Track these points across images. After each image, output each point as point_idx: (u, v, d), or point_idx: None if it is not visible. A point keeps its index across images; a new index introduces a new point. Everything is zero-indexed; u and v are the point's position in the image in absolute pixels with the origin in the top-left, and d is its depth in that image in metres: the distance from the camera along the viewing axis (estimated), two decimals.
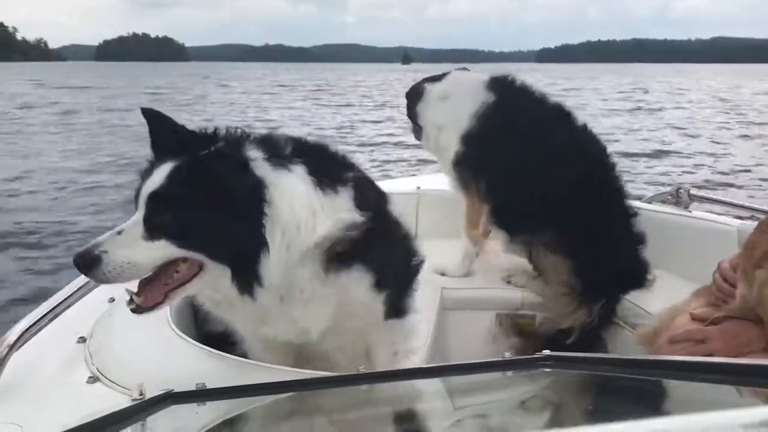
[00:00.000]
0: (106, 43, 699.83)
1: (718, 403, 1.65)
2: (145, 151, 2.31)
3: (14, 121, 29.21)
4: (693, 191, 4.42)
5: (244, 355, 2.60)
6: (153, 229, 2.06)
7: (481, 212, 4.13)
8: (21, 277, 9.28)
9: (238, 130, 2.30)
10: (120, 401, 2.02)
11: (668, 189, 4.57)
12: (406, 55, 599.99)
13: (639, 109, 36.80)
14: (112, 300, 2.83)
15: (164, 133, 2.25)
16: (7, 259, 10.16)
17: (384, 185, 4.29)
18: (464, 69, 4.47)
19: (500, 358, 2.09)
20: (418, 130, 4.37)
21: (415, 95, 4.34)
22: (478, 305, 4.05)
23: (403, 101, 4.46)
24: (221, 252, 2.11)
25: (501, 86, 4.10)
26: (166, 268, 2.12)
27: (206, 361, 2.35)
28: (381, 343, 2.71)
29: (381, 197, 2.63)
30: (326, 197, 2.26)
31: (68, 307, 2.67)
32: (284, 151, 2.30)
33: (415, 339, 2.90)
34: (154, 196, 2.08)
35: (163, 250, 2.06)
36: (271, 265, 2.13)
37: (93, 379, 2.26)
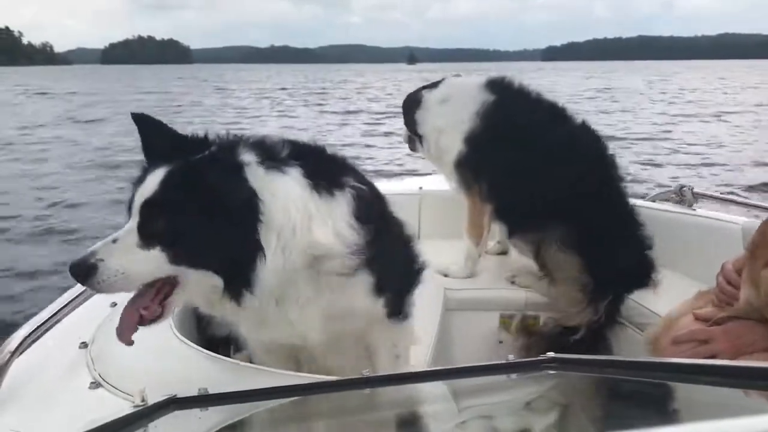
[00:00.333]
0: (112, 47, 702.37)
1: (725, 407, 1.64)
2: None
3: None
4: (697, 190, 4.40)
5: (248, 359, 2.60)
6: (147, 237, 2.04)
7: (483, 213, 4.14)
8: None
9: (232, 134, 2.28)
10: (122, 407, 2.00)
11: (672, 187, 4.56)
12: (412, 56, 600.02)
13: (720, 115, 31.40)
14: (113, 305, 2.80)
15: (156, 138, 2.23)
16: None
17: (386, 186, 4.30)
18: (458, 75, 4.48)
19: (504, 361, 2.05)
20: (414, 140, 4.39)
21: (412, 104, 4.36)
22: (481, 306, 4.05)
23: None
24: (215, 260, 2.09)
25: (499, 87, 4.13)
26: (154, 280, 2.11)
27: (208, 365, 2.34)
28: (383, 345, 2.70)
29: (380, 200, 2.60)
30: (323, 200, 2.24)
31: (70, 312, 2.67)
32: (280, 154, 2.27)
33: (418, 341, 2.89)
34: (147, 204, 2.06)
35: (156, 260, 2.04)
36: (266, 270, 2.11)
37: (95, 385, 2.25)
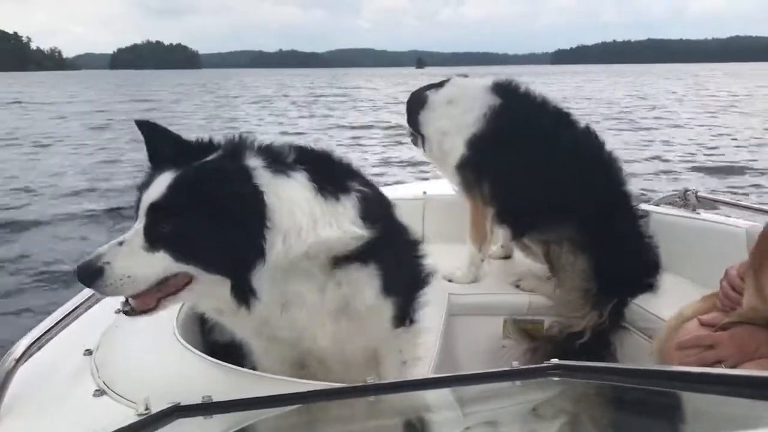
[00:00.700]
0: (120, 52, 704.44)
1: (732, 418, 1.65)
2: None
3: None
4: (701, 193, 4.40)
5: (252, 366, 2.60)
6: (153, 240, 2.05)
7: (485, 216, 4.13)
8: None
9: (237, 138, 2.29)
10: (126, 414, 2.02)
11: (676, 191, 4.56)
12: (421, 59, 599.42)
13: None
14: (118, 311, 2.73)
15: (161, 144, 2.25)
16: None
17: (390, 190, 4.30)
18: (464, 75, 4.45)
19: (509, 368, 2.06)
20: (417, 139, 4.38)
21: (416, 103, 4.34)
22: (485, 311, 4.04)
23: None
24: (220, 263, 2.10)
25: (505, 90, 4.12)
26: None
27: (212, 373, 2.34)
28: (389, 351, 2.70)
29: (386, 204, 2.61)
30: (328, 204, 2.24)
31: (74, 319, 2.67)
32: (286, 158, 2.28)
33: (423, 347, 2.88)
34: (154, 207, 2.07)
35: (162, 262, 2.05)
36: (271, 273, 2.13)
37: (99, 392, 2.25)
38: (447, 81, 4.34)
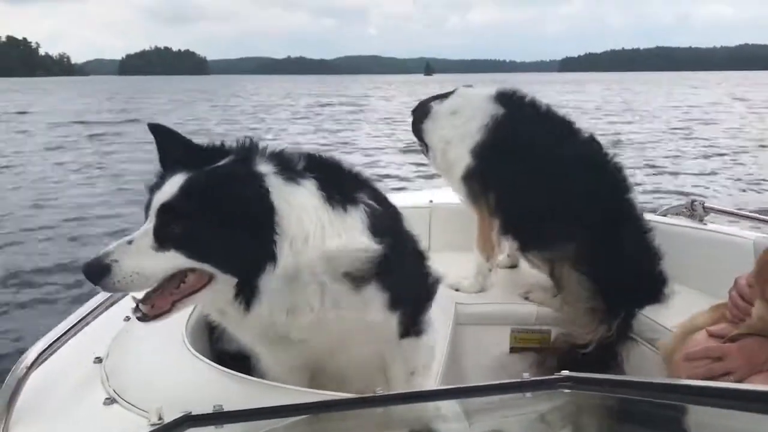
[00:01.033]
0: (129, 58, 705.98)
1: None
2: None
3: None
4: (707, 204, 4.40)
5: (261, 375, 2.60)
6: (163, 240, 2.06)
7: (492, 226, 4.13)
8: None
9: (248, 143, 2.30)
10: (137, 423, 2.05)
11: (683, 201, 4.57)
12: (429, 66, 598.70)
13: None
14: (127, 319, 2.82)
15: (172, 147, 2.26)
16: None
17: (397, 199, 4.31)
18: (469, 86, 4.48)
19: (518, 379, 2.05)
20: (425, 148, 4.40)
21: (421, 113, 4.37)
22: (492, 320, 4.04)
23: None
24: (230, 264, 2.10)
25: (509, 100, 4.13)
26: (173, 277, 2.11)
27: (223, 382, 2.34)
28: (396, 362, 2.70)
29: (394, 214, 2.61)
30: (336, 213, 2.24)
31: (84, 326, 2.68)
32: (296, 165, 2.29)
33: (431, 357, 2.88)
34: (165, 207, 2.08)
35: (172, 260, 2.06)
36: (277, 277, 2.13)
37: (110, 401, 2.26)
38: (452, 92, 4.37)
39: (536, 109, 4.15)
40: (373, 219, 2.32)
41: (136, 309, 2.14)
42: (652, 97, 64.45)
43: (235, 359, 2.67)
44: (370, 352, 2.61)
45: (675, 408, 1.87)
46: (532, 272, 4.29)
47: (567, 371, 1.98)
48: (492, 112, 4.04)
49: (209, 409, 1.95)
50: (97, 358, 2.61)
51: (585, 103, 49.84)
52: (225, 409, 1.96)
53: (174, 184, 2.10)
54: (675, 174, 19.29)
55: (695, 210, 4.37)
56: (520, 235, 4.09)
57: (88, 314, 2.70)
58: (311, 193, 2.23)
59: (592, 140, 4.12)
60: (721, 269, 3.62)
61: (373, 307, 2.39)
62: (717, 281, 3.20)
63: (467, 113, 4.12)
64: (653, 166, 20.18)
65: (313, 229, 2.18)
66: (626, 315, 3.82)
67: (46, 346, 2.40)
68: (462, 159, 4.08)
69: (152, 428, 1.87)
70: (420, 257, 2.77)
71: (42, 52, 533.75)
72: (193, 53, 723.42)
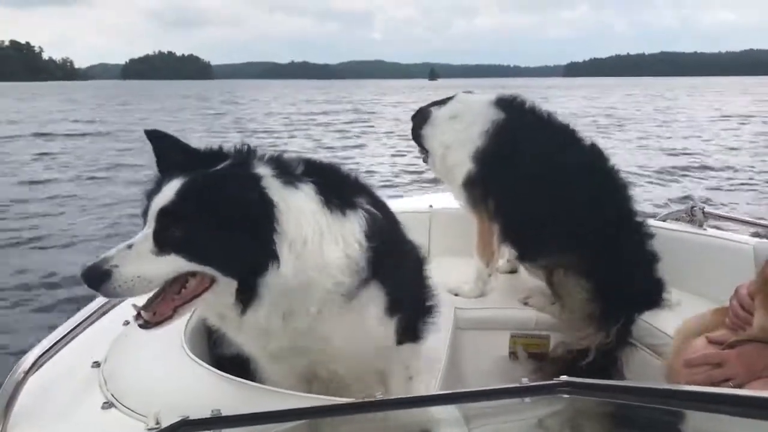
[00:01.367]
0: (132, 62, 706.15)
1: None
2: None
3: None
4: (708, 209, 4.39)
5: (259, 380, 2.59)
6: (163, 244, 2.06)
7: (492, 232, 4.14)
8: None
9: (246, 148, 2.30)
10: (135, 428, 2.04)
11: (683, 207, 4.55)
12: (433, 71, 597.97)
13: None
14: (126, 323, 2.82)
15: (169, 152, 2.27)
16: None
17: (396, 204, 4.32)
18: (469, 92, 4.51)
19: (517, 384, 2.05)
20: (425, 154, 4.42)
21: (421, 119, 4.40)
22: (491, 325, 4.04)
23: None
24: (231, 266, 2.11)
25: (509, 106, 4.14)
26: (174, 283, 2.11)
27: (221, 386, 2.34)
28: (395, 367, 2.71)
29: (392, 221, 2.61)
30: (334, 217, 2.25)
31: (83, 331, 2.67)
32: (294, 170, 2.30)
33: (430, 362, 2.90)
34: (164, 212, 2.08)
35: (173, 264, 2.06)
36: (276, 279, 2.13)
37: (108, 405, 2.25)
38: (451, 98, 4.38)
39: (537, 115, 4.15)
40: (372, 224, 2.32)
41: (138, 317, 2.13)
42: (691, 103, 60.35)
43: (234, 364, 2.66)
44: (368, 358, 2.60)
45: (674, 414, 1.87)
46: (531, 278, 4.28)
47: (566, 376, 1.98)
48: (492, 117, 4.05)
49: (207, 414, 1.95)
50: (95, 362, 2.60)
51: (619, 111, 47.99)
52: (223, 414, 1.96)
53: (172, 188, 2.10)
54: None
55: (695, 215, 4.35)
56: (519, 240, 4.10)
57: (86, 318, 2.70)
58: (309, 197, 2.23)
59: (592, 147, 4.12)
60: (721, 274, 3.64)
61: (371, 312, 2.40)
62: (717, 286, 3.21)
63: (467, 119, 4.13)
64: None
65: (312, 233, 2.18)
66: (625, 320, 3.81)
67: (44, 350, 2.39)
68: (462, 164, 4.09)
69: None
70: (418, 262, 2.78)
71: (46, 56, 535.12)
72: (197, 58, 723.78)
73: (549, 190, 3.89)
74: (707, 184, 17.89)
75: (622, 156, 21.07)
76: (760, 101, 58.82)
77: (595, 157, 4.10)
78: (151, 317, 2.13)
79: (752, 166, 20.48)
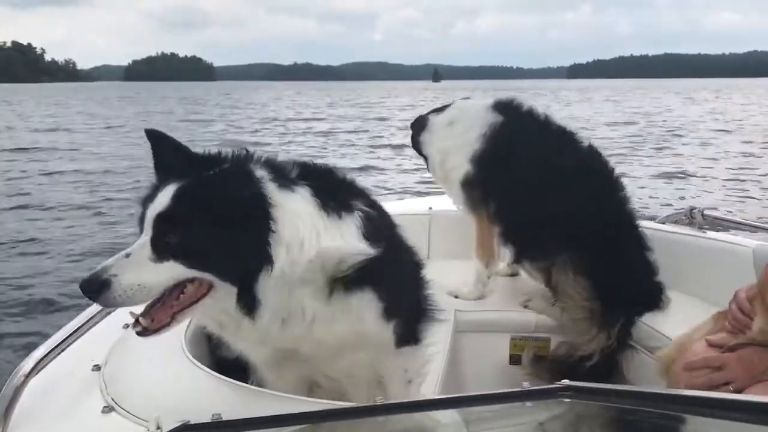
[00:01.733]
0: (135, 63, 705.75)
1: None
2: None
3: None
4: (707, 212, 4.40)
5: (260, 384, 2.59)
6: (161, 251, 2.05)
7: (491, 234, 4.16)
8: None
9: (243, 152, 2.29)
10: (135, 431, 2.05)
11: (682, 209, 4.57)
12: (437, 73, 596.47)
13: None
14: (126, 326, 2.78)
15: (168, 154, 2.26)
16: None
17: (396, 206, 4.32)
18: (467, 98, 4.56)
19: (518, 388, 2.06)
20: (424, 160, 4.46)
21: (419, 126, 4.45)
22: (491, 328, 4.04)
23: None
24: (230, 271, 2.10)
25: (506, 109, 4.17)
26: (172, 289, 2.10)
27: (221, 390, 2.34)
28: (394, 371, 2.69)
29: (389, 224, 2.61)
30: (330, 220, 2.25)
31: (83, 334, 2.68)
32: (290, 173, 2.30)
33: (429, 365, 2.89)
34: (160, 218, 2.07)
35: (171, 271, 2.05)
36: (274, 283, 2.12)
37: (108, 409, 2.24)
38: (449, 105, 4.43)
39: (534, 118, 4.18)
40: (368, 226, 2.32)
41: (136, 324, 2.12)
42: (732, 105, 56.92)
43: (234, 367, 2.65)
44: (367, 362, 2.60)
45: (675, 418, 1.88)
46: (531, 281, 4.29)
47: (567, 380, 1.98)
48: (490, 121, 4.09)
49: (207, 418, 1.95)
50: (95, 365, 2.60)
51: (658, 112, 46.27)
52: (223, 418, 1.96)
53: (167, 194, 2.09)
54: None
55: (694, 218, 4.37)
56: (518, 242, 4.10)
57: (86, 322, 2.70)
58: (305, 200, 2.23)
59: (590, 149, 4.14)
60: (721, 277, 3.64)
61: (368, 316, 2.39)
62: (716, 289, 3.21)
63: (465, 123, 4.17)
64: None
65: (308, 236, 2.17)
66: (625, 323, 3.82)
67: (45, 353, 2.40)
68: (460, 167, 4.12)
69: None
70: (415, 265, 2.78)
71: (48, 58, 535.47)
72: (199, 59, 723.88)
73: (546, 192, 3.92)
74: None
75: None
76: None
77: (592, 158, 4.12)
78: (150, 324, 2.12)
79: None
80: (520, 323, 4.05)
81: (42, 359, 2.37)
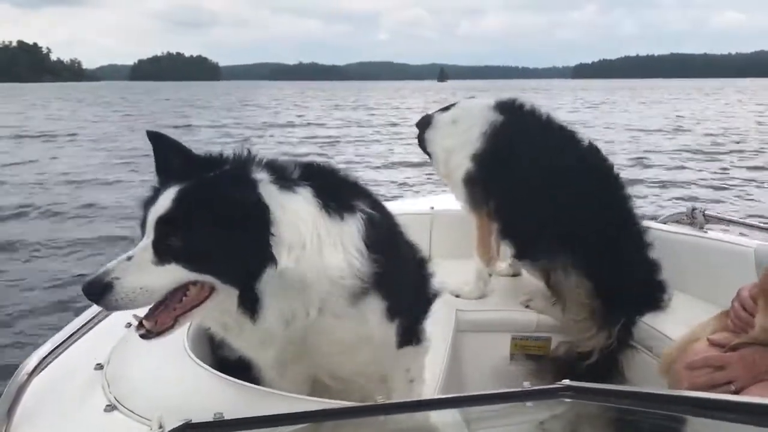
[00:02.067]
0: (141, 63, 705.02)
1: None
2: None
3: None
4: (708, 212, 4.40)
5: (262, 383, 2.58)
6: (163, 254, 2.05)
7: (491, 232, 4.20)
8: None
9: (244, 153, 2.29)
10: (138, 431, 2.05)
11: (683, 209, 4.56)
12: (443, 72, 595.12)
13: None
14: (128, 326, 2.81)
15: (170, 157, 2.25)
16: None
17: (397, 205, 4.34)
18: (472, 97, 4.61)
19: (519, 388, 2.06)
20: (430, 158, 4.50)
21: (424, 124, 4.50)
22: (492, 327, 4.06)
23: None
24: (232, 273, 2.10)
25: (508, 109, 4.20)
26: (174, 292, 2.10)
27: (224, 389, 2.34)
28: (396, 370, 2.70)
29: (392, 224, 2.60)
30: (332, 220, 2.24)
31: (86, 333, 2.68)
32: (292, 174, 2.29)
33: (431, 365, 2.90)
34: (162, 221, 2.07)
35: (173, 273, 2.05)
36: (275, 286, 2.13)
37: (110, 408, 2.24)
38: (454, 104, 4.48)
39: (536, 118, 4.20)
40: (370, 227, 2.31)
41: (140, 326, 2.13)
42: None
43: (237, 366, 2.65)
44: (369, 361, 2.59)
45: (675, 419, 1.88)
46: (532, 280, 4.30)
47: (568, 380, 1.98)
48: (491, 120, 4.12)
49: (210, 417, 1.95)
50: (98, 364, 2.59)
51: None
52: (226, 417, 1.96)
53: (169, 196, 2.09)
54: None
55: (696, 218, 4.37)
56: (519, 241, 4.13)
57: (89, 321, 2.71)
58: (307, 201, 2.23)
59: (591, 148, 4.16)
60: (722, 277, 3.65)
61: (372, 316, 2.39)
62: (718, 289, 3.21)
63: (467, 122, 4.21)
64: None
65: (310, 237, 2.17)
66: (626, 322, 3.83)
67: (47, 352, 2.41)
68: (462, 165, 4.16)
69: None
70: (418, 264, 2.78)
71: (54, 57, 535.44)
72: (205, 59, 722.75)
73: (547, 191, 3.94)
74: None
75: None
76: None
77: (593, 157, 4.14)
78: (153, 327, 2.12)
79: None
80: (521, 323, 4.07)
81: (45, 358, 2.38)
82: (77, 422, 2.27)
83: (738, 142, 27.73)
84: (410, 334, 2.66)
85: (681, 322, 3.36)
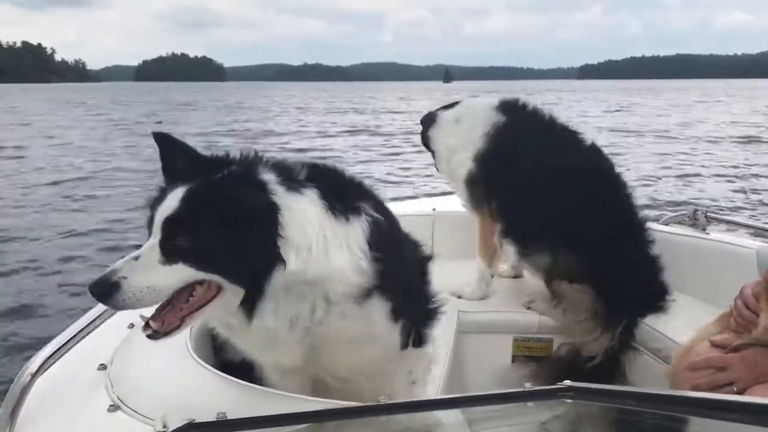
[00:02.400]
0: (146, 64, 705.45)
1: None
2: None
3: None
4: (710, 213, 4.41)
5: (264, 383, 2.60)
6: (170, 253, 2.05)
7: (493, 232, 4.18)
8: None
9: (251, 154, 2.30)
10: (141, 430, 2.06)
11: (685, 211, 4.57)
12: (448, 73, 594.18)
13: None
14: (131, 326, 2.83)
15: (176, 158, 2.26)
16: None
17: (400, 206, 4.34)
18: (476, 96, 4.58)
19: (521, 389, 2.05)
20: (432, 155, 4.49)
21: (428, 122, 4.50)
22: (494, 328, 4.06)
23: None
24: (238, 273, 2.10)
25: (511, 109, 4.20)
26: (181, 292, 2.10)
27: (226, 390, 2.34)
28: (398, 371, 2.70)
29: (396, 224, 2.60)
30: (338, 222, 2.24)
31: (89, 333, 2.69)
32: (298, 175, 2.29)
33: (433, 366, 2.90)
34: (169, 221, 2.07)
35: (181, 273, 2.05)
36: (281, 288, 2.14)
37: (114, 408, 2.25)
38: (458, 102, 4.48)
39: (539, 118, 4.21)
40: (375, 229, 2.32)
41: (146, 326, 2.13)
42: None
43: (239, 367, 2.66)
44: (372, 362, 2.60)
45: (677, 419, 1.88)
46: (534, 281, 4.29)
47: (569, 381, 1.98)
48: (494, 120, 4.12)
49: (213, 417, 1.96)
50: (101, 364, 2.61)
51: None
52: (228, 417, 1.97)
53: (176, 196, 2.10)
54: None
55: (698, 219, 4.38)
56: (520, 242, 4.11)
57: (92, 321, 2.71)
58: (313, 203, 2.23)
59: (594, 149, 4.16)
60: (724, 279, 3.64)
61: (376, 318, 2.39)
62: (720, 291, 3.20)
63: (470, 122, 4.21)
64: None
65: (316, 238, 2.17)
66: (628, 324, 3.83)
67: (51, 352, 2.41)
68: (464, 165, 4.17)
69: None
70: (422, 267, 2.79)
71: (58, 57, 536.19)
72: (210, 60, 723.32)
73: (549, 191, 3.94)
74: None
75: None
76: None
77: (596, 158, 4.14)
78: (160, 327, 2.12)
79: None
80: (523, 324, 4.07)
81: (48, 359, 2.39)
82: (81, 422, 2.27)
83: None
84: (413, 335, 2.67)
85: (683, 323, 3.37)
